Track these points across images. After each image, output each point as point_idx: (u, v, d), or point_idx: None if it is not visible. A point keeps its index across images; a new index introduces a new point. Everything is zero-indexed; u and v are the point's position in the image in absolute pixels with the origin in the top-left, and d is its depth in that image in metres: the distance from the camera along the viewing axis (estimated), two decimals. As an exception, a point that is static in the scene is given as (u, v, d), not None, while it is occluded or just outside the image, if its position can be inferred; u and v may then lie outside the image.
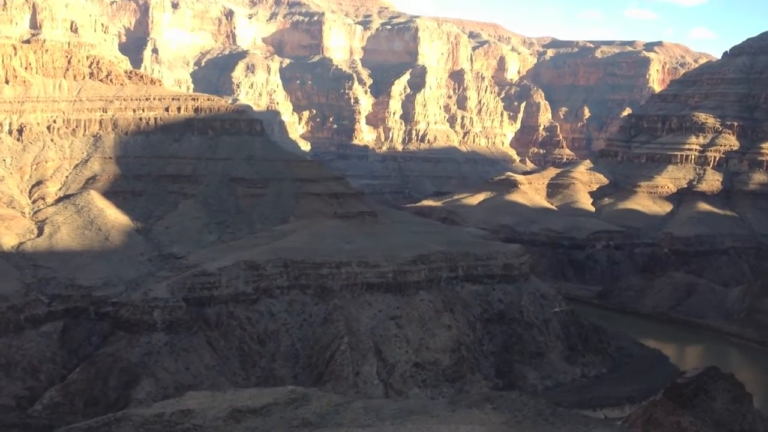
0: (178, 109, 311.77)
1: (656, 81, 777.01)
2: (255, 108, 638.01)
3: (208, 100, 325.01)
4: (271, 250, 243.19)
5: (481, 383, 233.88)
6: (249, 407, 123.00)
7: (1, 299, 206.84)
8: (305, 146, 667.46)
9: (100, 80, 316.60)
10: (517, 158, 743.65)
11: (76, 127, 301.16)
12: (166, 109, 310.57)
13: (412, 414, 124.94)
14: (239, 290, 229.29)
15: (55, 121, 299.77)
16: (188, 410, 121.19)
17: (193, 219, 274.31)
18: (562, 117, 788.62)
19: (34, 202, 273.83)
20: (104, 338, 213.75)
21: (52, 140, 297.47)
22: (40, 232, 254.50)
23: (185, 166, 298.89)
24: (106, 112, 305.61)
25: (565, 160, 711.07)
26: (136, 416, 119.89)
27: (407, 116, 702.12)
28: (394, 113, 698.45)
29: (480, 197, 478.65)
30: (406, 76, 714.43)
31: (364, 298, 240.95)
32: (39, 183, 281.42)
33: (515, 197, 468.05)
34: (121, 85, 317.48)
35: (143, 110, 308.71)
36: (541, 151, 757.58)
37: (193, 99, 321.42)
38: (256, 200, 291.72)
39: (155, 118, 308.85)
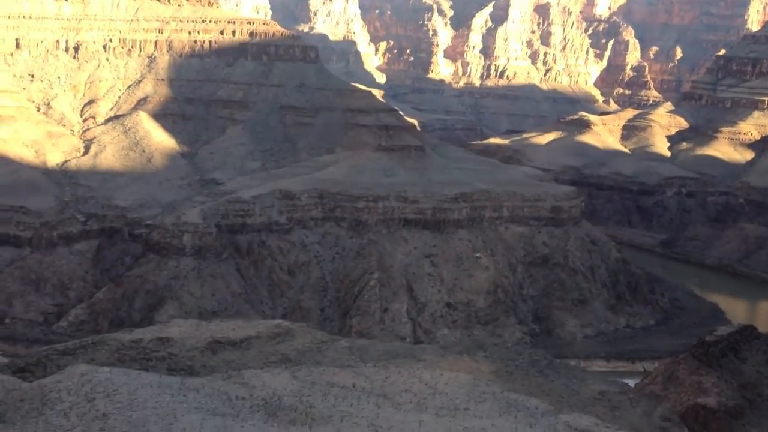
0: (233, 32, 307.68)
1: (755, 22, 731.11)
2: (331, 37, 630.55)
3: (264, 24, 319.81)
4: (308, 181, 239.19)
5: (515, 328, 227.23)
6: (229, 339, 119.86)
7: (35, 215, 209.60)
8: (380, 78, 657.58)
9: (158, 0, 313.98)
10: (601, 98, 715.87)
11: (132, 47, 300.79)
12: (221, 33, 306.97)
13: (398, 357, 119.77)
14: (272, 219, 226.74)
15: (111, 41, 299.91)
16: (167, 338, 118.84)
17: (238, 146, 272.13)
18: (651, 57, 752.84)
19: (84, 120, 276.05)
20: (136, 260, 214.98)
21: (107, 59, 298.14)
22: (86, 151, 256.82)
23: (236, 91, 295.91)
24: (161, 33, 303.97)
25: (651, 102, 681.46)
26: (113, 341, 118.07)
27: (487, 51, 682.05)
28: (473, 47, 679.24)
29: (550, 137, 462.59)
30: (489, 9, 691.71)
31: (399, 234, 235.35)
32: (91, 102, 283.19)
33: (586, 138, 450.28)
34: (179, 6, 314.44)
35: (198, 32, 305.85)
36: (627, 92, 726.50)
37: (249, 23, 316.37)
38: (304, 129, 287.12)
39: (210, 41, 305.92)
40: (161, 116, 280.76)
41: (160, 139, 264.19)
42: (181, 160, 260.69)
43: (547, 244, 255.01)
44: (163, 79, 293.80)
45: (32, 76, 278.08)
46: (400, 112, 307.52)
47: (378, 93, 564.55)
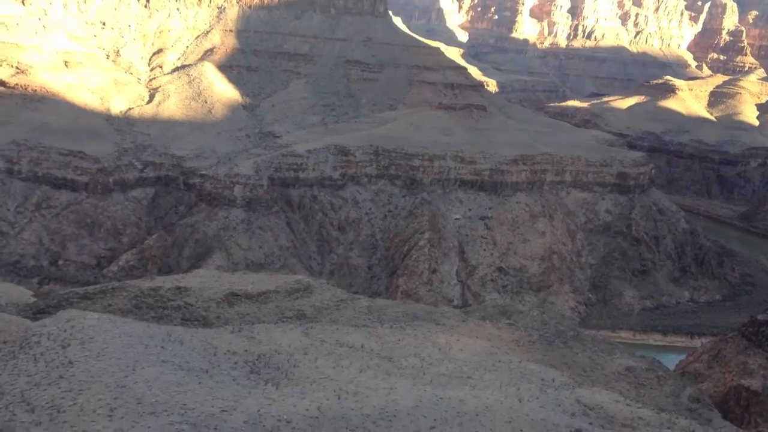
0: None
1: None
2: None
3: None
4: (364, 137, 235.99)
5: (569, 296, 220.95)
6: (247, 292, 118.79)
7: (92, 161, 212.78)
8: (462, 36, 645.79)
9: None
10: (693, 63, 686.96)
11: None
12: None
13: (417, 320, 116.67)
14: (326, 174, 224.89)
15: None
16: (185, 288, 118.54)
17: (300, 99, 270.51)
18: (750, 21, 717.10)
19: (151, 69, 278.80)
20: (189, 209, 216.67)
21: (177, 9, 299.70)
22: (150, 99, 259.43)
23: (302, 44, 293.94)
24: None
25: (747, 69, 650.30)
26: (133, 287, 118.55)
27: (575, 11, 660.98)
28: (560, 6, 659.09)
29: (631, 101, 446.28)
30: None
31: (455, 195, 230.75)
32: (159, 51, 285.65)
33: (670, 104, 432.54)
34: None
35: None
36: (722, 57, 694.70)
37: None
38: (368, 85, 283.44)
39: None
40: (227, 67, 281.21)
41: (222, 90, 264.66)
42: (242, 111, 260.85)
43: (610, 212, 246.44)
44: (230, 31, 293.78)
45: (103, 24, 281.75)
46: (476, 71, 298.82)
47: (458, 51, 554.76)
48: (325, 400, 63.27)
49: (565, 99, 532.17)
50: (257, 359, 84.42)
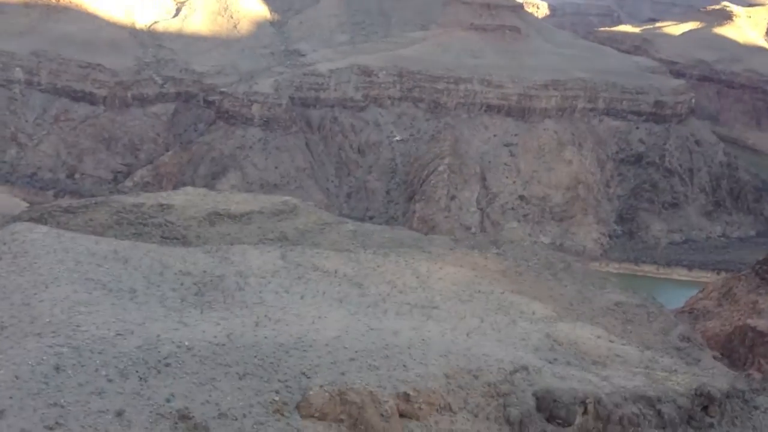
0: None
1: None
2: None
3: None
4: (389, 58, 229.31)
5: (592, 227, 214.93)
6: (230, 212, 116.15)
7: (110, 74, 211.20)
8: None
9: None
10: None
11: None
12: None
13: (402, 246, 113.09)
14: (347, 95, 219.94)
15: None
16: (168, 205, 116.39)
17: (330, 17, 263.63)
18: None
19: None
20: (208, 126, 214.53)
21: None
22: (177, 13, 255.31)
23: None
24: None
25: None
26: (115, 203, 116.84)
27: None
28: None
29: (685, 27, 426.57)
30: None
31: (480, 120, 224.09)
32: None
33: (725, 31, 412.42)
34: None
35: None
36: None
37: None
38: (401, 3, 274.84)
39: None
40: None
41: (250, 6, 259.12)
42: (269, 28, 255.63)
43: (643, 141, 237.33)
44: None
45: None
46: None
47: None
48: (242, 326, 60.52)
49: (620, 24, 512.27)
50: (210, 282, 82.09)
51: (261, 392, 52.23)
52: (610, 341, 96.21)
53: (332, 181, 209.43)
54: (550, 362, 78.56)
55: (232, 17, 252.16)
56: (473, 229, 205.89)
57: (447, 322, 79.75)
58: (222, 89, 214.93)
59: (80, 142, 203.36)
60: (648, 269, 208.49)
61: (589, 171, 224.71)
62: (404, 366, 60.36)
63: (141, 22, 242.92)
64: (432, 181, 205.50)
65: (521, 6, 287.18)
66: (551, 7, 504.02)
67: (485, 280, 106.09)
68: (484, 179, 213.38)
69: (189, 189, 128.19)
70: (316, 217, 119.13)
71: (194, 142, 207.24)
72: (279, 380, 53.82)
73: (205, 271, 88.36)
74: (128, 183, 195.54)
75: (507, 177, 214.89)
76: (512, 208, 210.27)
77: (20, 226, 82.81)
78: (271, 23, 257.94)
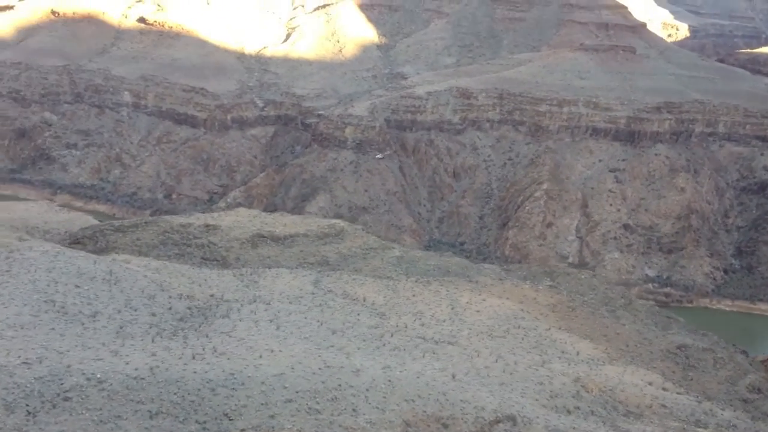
0: None
1: None
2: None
3: None
4: (491, 80, 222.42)
5: (705, 261, 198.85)
6: (274, 234, 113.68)
7: (212, 98, 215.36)
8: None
9: None
10: None
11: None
12: None
13: (448, 275, 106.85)
14: (445, 118, 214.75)
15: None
16: (215, 226, 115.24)
17: (437, 40, 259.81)
18: None
19: (294, 8, 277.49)
20: (305, 149, 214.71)
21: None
22: (286, 39, 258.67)
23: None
24: None
25: None
26: (164, 223, 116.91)
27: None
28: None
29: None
30: None
31: (584, 144, 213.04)
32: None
33: None
34: None
35: None
36: None
37: None
38: (513, 25, 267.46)
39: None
40: (368, 7, 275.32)
41: (357, 30, 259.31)
42: (374, 51, 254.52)
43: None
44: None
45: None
46: (667, 15, 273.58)
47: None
48: (176, 358, 56.52)
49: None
50: (208, 307, 79.12)
51: (172, 433, 47.88)
52: (663, 389, 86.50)
53: (424, 206, 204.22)
54: (565, 412, 70.61)
55: (338, 41, 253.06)
56: (570, 259, 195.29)
57: (447, 361, 73.03)
58: (319, 112, 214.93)
59: (179, 164, 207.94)
60: (765, 308, 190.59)
61: (704, 200, 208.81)
62: (354, 410, 54.46)
63: (250, 48, 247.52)
64: (527, 207, 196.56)
65: (643, 25, 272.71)
66: (692, 29, 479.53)
67: (530, 314, 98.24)
68: (585, 206, 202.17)
69: (241, 210, 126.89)
70: (361, 242, 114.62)
71: (288, 164, 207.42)
72: (197, 421, 49.24)
73: (212, 296, 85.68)
74: (221, 204, 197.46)
75: (611, 204, 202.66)
76: (615, 238, 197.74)
77: (29, 244, 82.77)
78: (378, 47, 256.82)
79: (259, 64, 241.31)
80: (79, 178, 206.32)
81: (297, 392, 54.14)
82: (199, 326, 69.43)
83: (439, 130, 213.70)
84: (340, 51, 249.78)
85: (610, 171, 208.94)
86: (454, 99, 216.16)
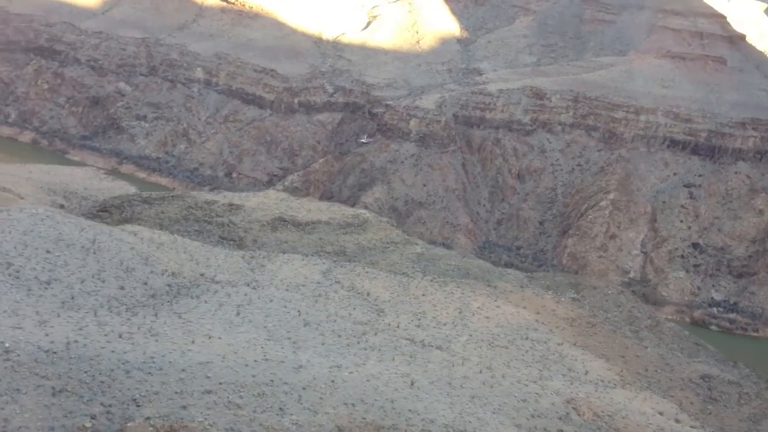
0: None
1: None
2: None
3: None
4: (568, 81, 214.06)
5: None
6: (296, 219, 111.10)
7: (281, 80, 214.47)
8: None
9: None
10: None
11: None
12: None
13: (467, 277, 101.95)
14: (515, 117, 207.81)
15: None
16: (238, 206, 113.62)
17: (519, 37, 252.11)
18: None
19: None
20: (369, 138, 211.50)
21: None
22: (366, 26, 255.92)
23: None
24: None
25: None
26: (190, 198, 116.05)
27: None
28: None
29: None
30: None
31: (659, 155, 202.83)
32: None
33: None
34: None
35: None
36: None
37: None
38: (601, 27, 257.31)
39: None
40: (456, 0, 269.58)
41: (438, 23, 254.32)
42: (454, 45, 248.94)
43: None
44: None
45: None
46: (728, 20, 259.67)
47: (762, 6, 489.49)
48: (102, 336, 53.85)
49: None
50: (187, 286, 76.77)
51: (72, 414, 44.81)
52: (675, 421, 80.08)
53: (483, 206, 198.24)
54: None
55: (417, 33, 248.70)
56: (631, 274, 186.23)
57: (420, 367, 68.40)
58: (387, 102, 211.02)
59: (243, 143, 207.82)
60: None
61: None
62: (281, 409, 50.65)
63: (329, 34, 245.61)
64: (590, 216, 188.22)
65: (742, 37, 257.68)
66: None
67: (545, 326, 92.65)
68: (654, 220, 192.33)
69: (270, 192, 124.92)
70: (383, 235, 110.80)
71: (350, 152, 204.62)
72: (102, 404, 46.22)
73: (202, 275, 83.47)
74: (278, 187, 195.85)
75: (682, 221, 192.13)
76: (682, 256, 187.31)
77: (20, 206, 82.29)
78: (459, 41, 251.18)
79: (335, 50, 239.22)
80: (146, 150, 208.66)
81: (220, 384, 50.68)
82: (164, 304, 66.92)
83: (507, 129, 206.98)
84: (418, 42, 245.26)
85: (685, 186, 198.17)
86: (527, 98, 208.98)
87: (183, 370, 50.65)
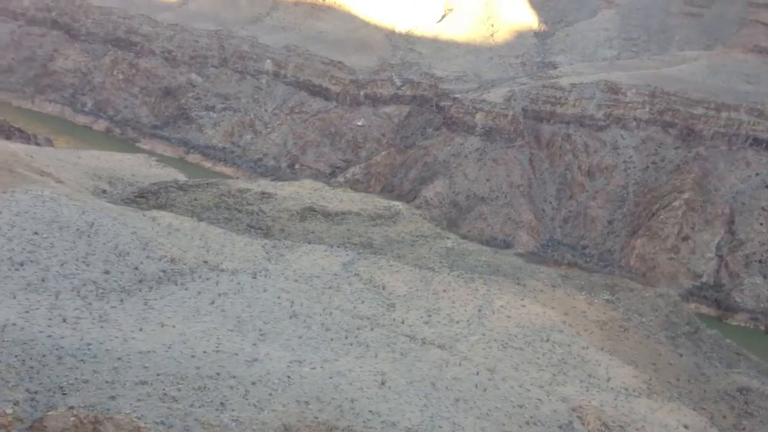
0: None
1: None
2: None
3: None
4: (645, 76, 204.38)
5: None
6: (326, 210, 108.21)
7: (348, 72, 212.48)
8: None
9: None
10: None
11: None
12: None
13: (496, 274, 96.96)
14: (587, 112, 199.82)
15: None
16: (270, 195, 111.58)
17: (600, 30, 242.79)
18: None
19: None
20: (434, 131, 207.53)
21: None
22: (441, 19, 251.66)
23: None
24: None
25: None
26: (224, 186, 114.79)
27: None
28: None
29: None
30: None
31: (741, 154, 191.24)
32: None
33: None
34: None
35: None
36: None
37: None
38: (689, 20, 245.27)
39: None
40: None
41: (515, 16, 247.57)
42: (530, 38, 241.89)
43: None
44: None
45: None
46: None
47: None
48: (45, 320, 51.98)
49: None
50: (182, 272, 74.84)
51: (-6, 400, 43.12)
52: (702, 437, 73.34)
53: (550, 203, 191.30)
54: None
55: (492, 25, 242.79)
56: (704, 278, 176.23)
57: (404, 365, 64.26)
58: (455, 95, 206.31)
59: (307, 134, 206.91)
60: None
61: None
62: (222, 404, 47.56)
63: (402, 27, 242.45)
64: (662, 216, 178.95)
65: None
66: None
67: (572, 329, 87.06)
68: (731, 222, 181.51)
69: (306, 182, 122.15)
70: (413, 228, 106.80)
71: (414, 145, 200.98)
72: (28, 390, 44.16)
73: (205, 262, 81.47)
74: (340, 179, 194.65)
75: (762, 224, 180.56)
76: (760, 261, 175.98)
77: (41, 185, 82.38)
78: (536, 34, 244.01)
79: (406, 42, 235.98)
80: (213, 140, 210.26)
81: (158, 375, 47.98)
82: (141, 290, 64.99)
83: (579, 124, 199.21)
84: (492, 35, 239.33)
85: (767, 187, 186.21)
86: (601, 93, 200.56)
87: (119, 358, 48.22)
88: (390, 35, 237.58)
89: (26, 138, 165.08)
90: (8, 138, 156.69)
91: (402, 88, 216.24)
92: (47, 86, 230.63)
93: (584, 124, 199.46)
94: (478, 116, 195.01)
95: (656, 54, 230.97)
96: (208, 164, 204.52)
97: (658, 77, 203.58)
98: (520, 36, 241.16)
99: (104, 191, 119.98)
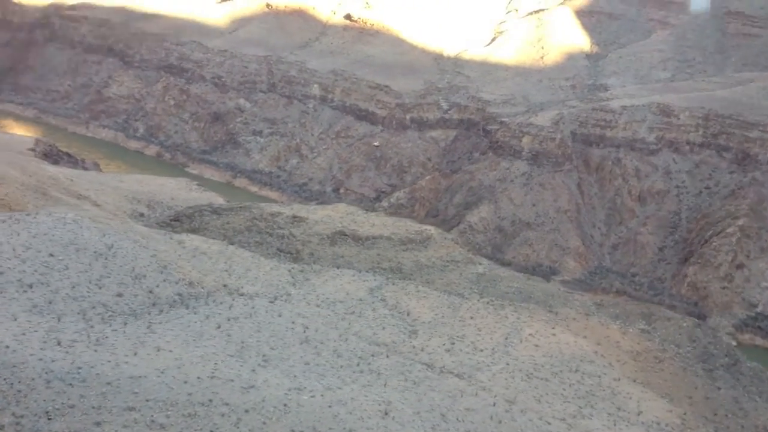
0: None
1: None
2: None
3: None
4: (699, 98, 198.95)
5: None
6: (356, 234, 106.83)
7: (394, 96, 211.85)
8: None
9: None
10: None
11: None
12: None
13: (528, 301, 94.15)
14: (638, 136, 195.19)
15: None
16: (301, 218, 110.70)
17: (654, 52, 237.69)
18: None
19: (507, 13, 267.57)
20: (480, 156, 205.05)
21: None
22: (491, 42, 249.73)
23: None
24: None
25: None
26: (257, 210, 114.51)
27: None
28: None
29: None
30: None
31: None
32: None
33: None
34: None
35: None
36: None
37: None
38: (746, 41, 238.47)
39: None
40: (586, 14, 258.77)
41: (566, 37, 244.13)
42: (581, 60, 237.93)
43: None
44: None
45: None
46: None
47: None
48: (40, 342, 51.24)
49: None
50: (198, 296, 73.95)
51: (-21, 422, 42.57)
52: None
53: (599, 228, 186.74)
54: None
55: (542, 48, 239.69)
56: (759, 308, 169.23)
57: (415, 394, 62.00)
58: (502, 119, 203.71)
59: (352, 159, 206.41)
60: None
61: None
62: (210, 432, 46.18)
63: (450, 50, 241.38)
64: (714, 243, 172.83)
65: None
66: None
67: (603, 359, 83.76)
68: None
69: (341, 206, 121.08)
70: (444, 252, 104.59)
71: (460, 170, 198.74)
72: (14, 414, 43.34)
73: (225, 286, 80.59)
74: (384, 203, 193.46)
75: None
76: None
77: (67, 207, 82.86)
78: (587, 56, 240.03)
79: (454, 66, 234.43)
80: (259, 165, 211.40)
81: (147, 401, 46.74)
82: (150, 314, 64.17)
83: (630, 148, 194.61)
84: (542, 58, 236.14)
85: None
86: (652, 115, 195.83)
87: (108, 383, 47.14)
88: (438, 59, 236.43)
89: (74, 162, 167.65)
90: (56, 163, 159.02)
91: (449, 111, 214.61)
92: (101, 112, 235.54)
93: (635, 147, 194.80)
94: (525, 140, 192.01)
95: (712, 75, 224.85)
96: (254, 188, 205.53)
97: (712, 99, 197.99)
98: (571, 58, 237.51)
99: (142, 215, 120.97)
